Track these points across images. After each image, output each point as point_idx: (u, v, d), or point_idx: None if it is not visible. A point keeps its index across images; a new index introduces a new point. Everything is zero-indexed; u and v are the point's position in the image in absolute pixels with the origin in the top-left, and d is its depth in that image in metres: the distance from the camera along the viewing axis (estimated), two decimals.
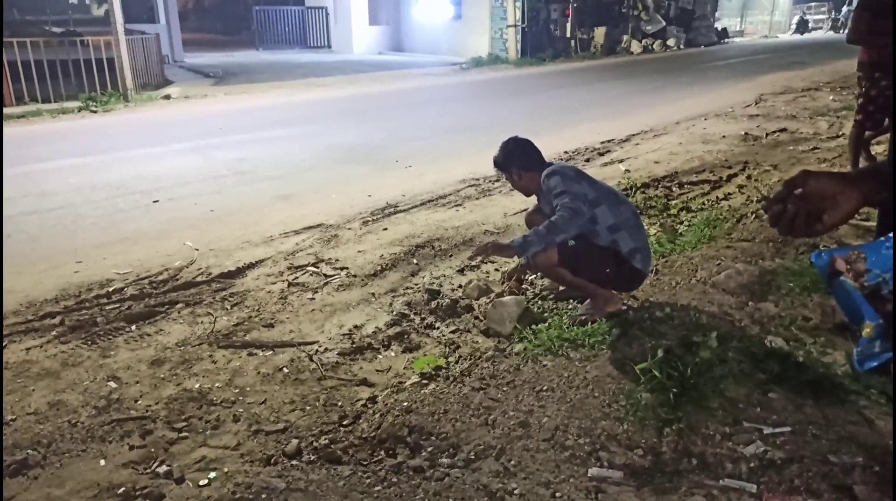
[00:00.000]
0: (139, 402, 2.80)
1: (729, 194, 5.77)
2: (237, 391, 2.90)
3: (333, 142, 8.42)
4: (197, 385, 2.93)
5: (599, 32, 22.10)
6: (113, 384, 2.93)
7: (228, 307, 3.76)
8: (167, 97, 12.65)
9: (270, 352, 3.25)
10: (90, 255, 4.56)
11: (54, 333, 3.43)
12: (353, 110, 11.49)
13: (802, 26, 34.02)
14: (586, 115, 10.39)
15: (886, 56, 5.11)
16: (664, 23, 24.56)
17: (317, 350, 3.25)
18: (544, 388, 2.54)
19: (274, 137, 8.83)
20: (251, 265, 4.38)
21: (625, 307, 3.10)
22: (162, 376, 3.02)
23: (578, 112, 10.76)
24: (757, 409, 2.35)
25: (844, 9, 35.57)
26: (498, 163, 3.28)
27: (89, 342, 3.33)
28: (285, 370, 3.08)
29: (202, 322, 3.57)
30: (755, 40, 30.63)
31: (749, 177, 6.34)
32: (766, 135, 8.34)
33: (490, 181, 6.31)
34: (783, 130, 8.65)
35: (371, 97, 13.26)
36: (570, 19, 21.29)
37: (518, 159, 3.20)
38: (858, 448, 2.15)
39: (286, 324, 3.55)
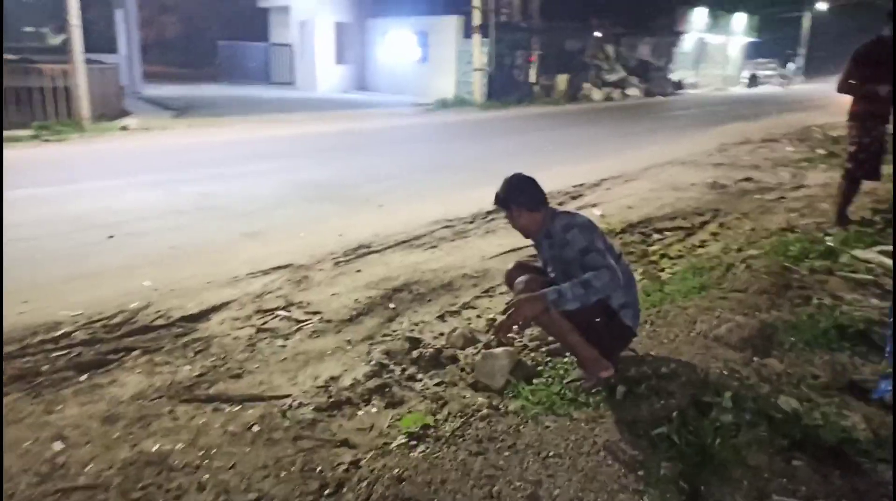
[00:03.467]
0: (89, 467, 2.46)
1: (704, 241, 5.72)
2: (202, 453, 2.58)
3: (301, 179, 8.17)
4: (155, 447, 2.60)
5: (562, 79, 22.54)
6: (59, 445, 2.58)
7: (191, 355, 3.44)
8: (124, 128, 12.23)
9: (238, 407, 2.94)
10: (39, 294, 4.18)
11: None
12: (320, 148, 11.29)
13: (753, 81, 35.49)
14: (555, 157, 10.39)
15: (877, 107, 5.18)
16: (624, 73, 25.25)
17: (290, 406, 2.96)
18: (550, 454, 2.31)
19: (239, 172, 8.53)
20: (216, 308, 4.07)
21: (612, 373, 2.85)
22: (115, 435, 2.68)
23: (548, 155, 10.77)
24: (783, 480, 2.17)
25: (791, 65, 37.36)
26: (500, 199, 3.05)
27: (33, 395, 2.97)
28: (256, 428, 2.78)
29: (161, 372, 3.24)
30: (709, 92, 31.73)
31: (721, 225, 6.33)
32: (733, 183, 8.43)
33: (465, 223, 6.15)
34: (748, 179, 8.78)
35: (338, 135, 13.09)
36: (534, 66, 21.66)
37: (522, 197, 2.99)
38: None
39: (255, 375, 3.25)
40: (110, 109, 13.84)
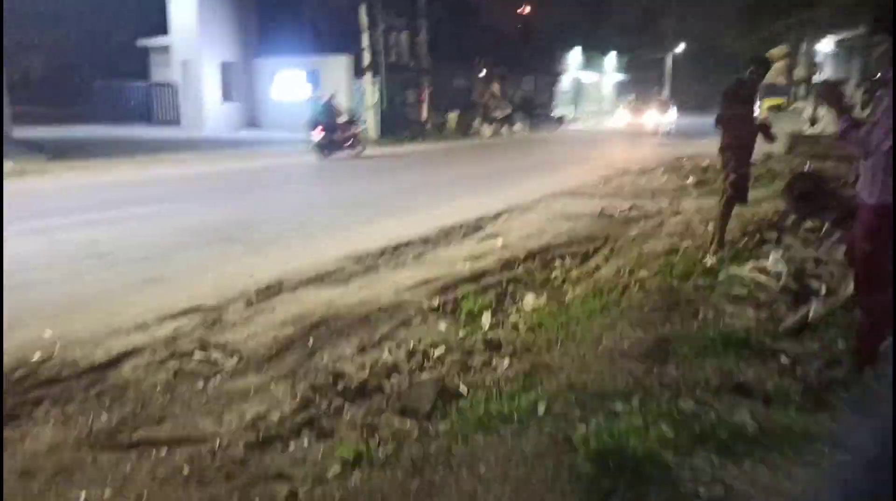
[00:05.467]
0: None
1: (599, 265, 6.15)
2: (132, 500, 2.54)
3: (196, 221, 8.00)
4: (81, 498, 2.53)
5: (452, 117, 23.34)
6: None
7: (106, 404, 3.33)
8: None
9: (165, 451, 2.90)
10: None
11: None
12: (211, 188, 11.07)
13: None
14: (453, 191, 10.76)
15: (741, 139, 5.82)
16: (510, 109, 26.44)
17: (219, 445, 2.95)
18: (482, 468, 2.47)
19: (128, 216, 8.23)
20: (126, 354, 3.94)
21: None
22: (36, 489, 2.58)
23: (445, 189, 11.11)
24: (687, 471, 2.43)
25: None
26: None
27: None
28: (185, 470, 2.75)
29: (77, 423, 3.13)
30: (588, 127, 33.75)
31: (612, 250, 6.82)
32: (619, 212, 9.07)
33: (374, 257, 6.27)
34: (632, 207, 9.45)
35: (229, 175, 12.87)
36: (424, 103, 22.27)
37: None
38: (783, 499, 2.28)
39: (179, 418, 3.21)
40: None
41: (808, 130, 14.40)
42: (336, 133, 15.70)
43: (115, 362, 3.86)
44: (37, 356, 3.87)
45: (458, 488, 2.37)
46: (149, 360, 3.89)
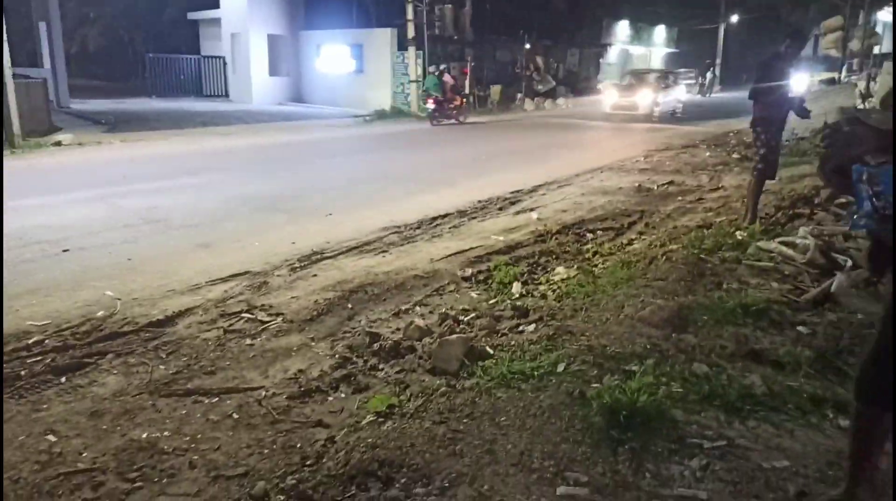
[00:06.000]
0: (84, 454, 2.68)
1: (632, 239, 6.25)
2: (188, 438, 2.84)
3: (246, 191, 8.35)
4: (144, 435, 2.84)
5: (495, 90, 23.25)
6: (52, 438, 2.79)
7: (164, 356, 3.66)
8: (58, 144, 12.05)
9: (216, 399, 3.20)
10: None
11: None
12: (260, 159, 11.43)
13: None
14: (493, 165, 10.89)
15: (773, 114, 5.82)
16: (554, 83, 26.18)
17: (264, 395, 3.24)
18: (503, 418, 2.69)
19: (182, 185, 8.63)
20: (181, 314, 4.27)
21: None
22: (104, 427, 2.90)
23: (486, 163, 11.25)
24: (694, 427, 2.60)
25: (708, 75, 39.36)
26: None
27: (17, 397, 3.15)
28: (235, 416, 3.05)
29: (138, 372, 3.46)
30: None
31: (647, 225, 6.89)
32: (657, 187, 9.08)
33: (412, 229, 6.50)
34: (671, 182, 9.45)
35: (277, 147, 13.23)
36: (467, 77, 22.26)
37: None
38: (783, 454, 2.44)
39: (228, 371, 3.51)
40: (40, 125, 13.54)
41: (860, 105, 13.98)
42: (444, 103, 18.21)
43: (171, 320, 4.19)
44: (100, 313, 4.23)
45: (480, 435, 2.59)
46: (201, 318, 4.21)
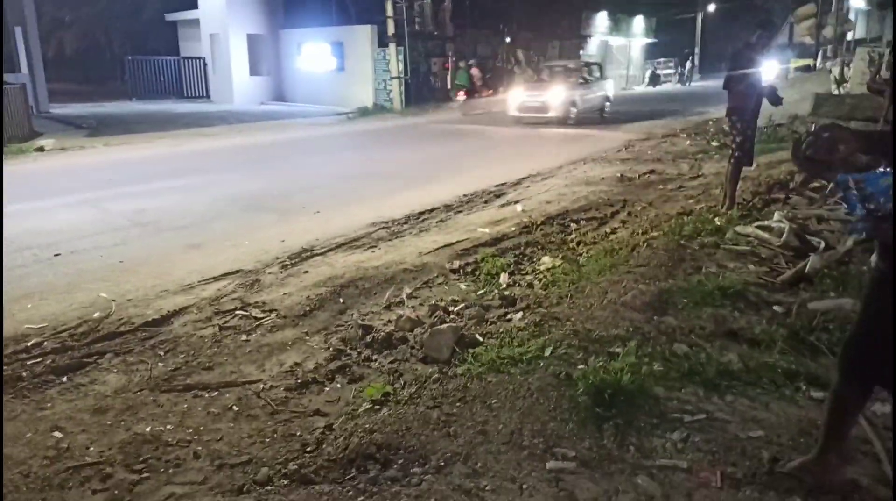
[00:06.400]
0: (91, 449, 2.78)
1: (615, 228, 6.40)
2: (191, 431, 2.94)
3: (232, 191, 8.41)
4: (148, 429, 2.94)
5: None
6: (58, 434, 2.88)
7: (161, 354, 3.75)
8: (41, 149, 12.01)
9: (216, 393, 3.30)
10: None
11: None
12: (245, 160, 11.47)
13: (655, 79, 37.47)
14: (477, 160, 11.01)
15: (747, 103, 6.00)
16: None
17: (262, 388, 3.34)
18: (493, 401, 2.81)
19: (169, 187, 8.67)
20: (175, 313, 4.36)
21: None
22: (108, 423, 2.99)
23: (471, 158, 11.36)
24: (675, 402, 2.74)
25: (688, 64, 39.71)
26: None
27: (20, 397, 3.23)
28: (235, 408, 3.15)
29: (137, 370, 3.54)
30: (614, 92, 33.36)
31: (629, 213, 7.05)
32: (639, 176, 9.24)
33: (399, 224, 6.60)
34: (652, 171, 9.62)
35: (261, 147, 13.27)
36: (449, 72, 22.35)
37: None
38: (758, 425, 2.58)
39: (225, 366, 3.61)
40: (20, 131, 13.48)
41: (835, 91, 14.25)
42: (474, 95, 20.89)
43: (167, 319, 4.27)
44: (96, 315, 4.31)
45: (472, 417, 2.72)
46: (196, 317, 4.30)
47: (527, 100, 16.88)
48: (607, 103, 18.63)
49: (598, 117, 17.89)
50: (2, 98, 10.59)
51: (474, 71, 21.27)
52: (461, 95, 20.15)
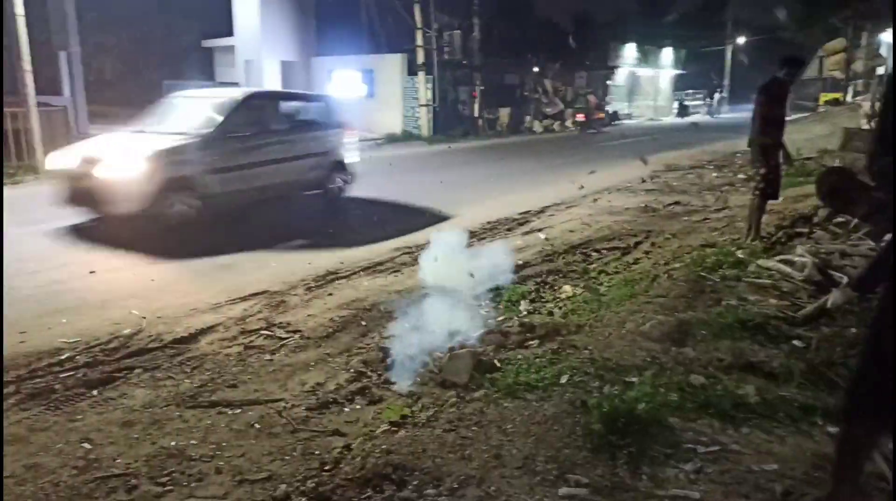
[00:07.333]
0: (118, 461, 2.88)
1: (637, 259, 6.42)
2: (213, 446, 3.03)
3: (261, 219, 8.59)
4: (173, 443, 3.03)
5: (504, 113, 23.58)
6: (87, 446, 2.99)
7: (188, 371, 3.86)
8: None
9: (239, 410, 3.39)
10: (32, 325, 4.50)
11: (13, 400, 3.41)
12: None
13: (683, 111, 37.41)
14: (502, 187, 11.11)
15: (773, 136, 6.06)
16: (562, 105, 26.50)
17: (284, 407, 3.42)
18: (509, 426, 2.86)
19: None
20: (203, 331, 4.48)
21: None
22: (135, 436, 3.10)
23: (495, 184, 11.47)
24: (689, 433, 2.76)
25: (717, 96, 39.65)
26: None
27: (53, 408, 3.35)
28: (257, 425, 3.23)
29: (165, 385, 3.66)
30: (642, 122, 33.45)
31: (653, 244, 7.05)
32: (663, 207, 9.25)
33: (421, 250, 6.68)
34: (677, 202, 9.61)
35: None
36: (477, 100, 22.62)
37: None
38: (773, 458, 2.59)
39: (249, 384, 3.70)
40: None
41: (865, 125, 14.12)
42: (590, 118, 25.26)
43: (195, 337, 4.40)
44: (127, 331, 4.45)
45: (487, 441, 2.76)
46: (222, 336, 4.42)
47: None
48: (340, 181, 9.51)
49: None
50: (2, 111, 11.12)
51: (591, 98, 26.76)
52: (580, 117, 25.34)
